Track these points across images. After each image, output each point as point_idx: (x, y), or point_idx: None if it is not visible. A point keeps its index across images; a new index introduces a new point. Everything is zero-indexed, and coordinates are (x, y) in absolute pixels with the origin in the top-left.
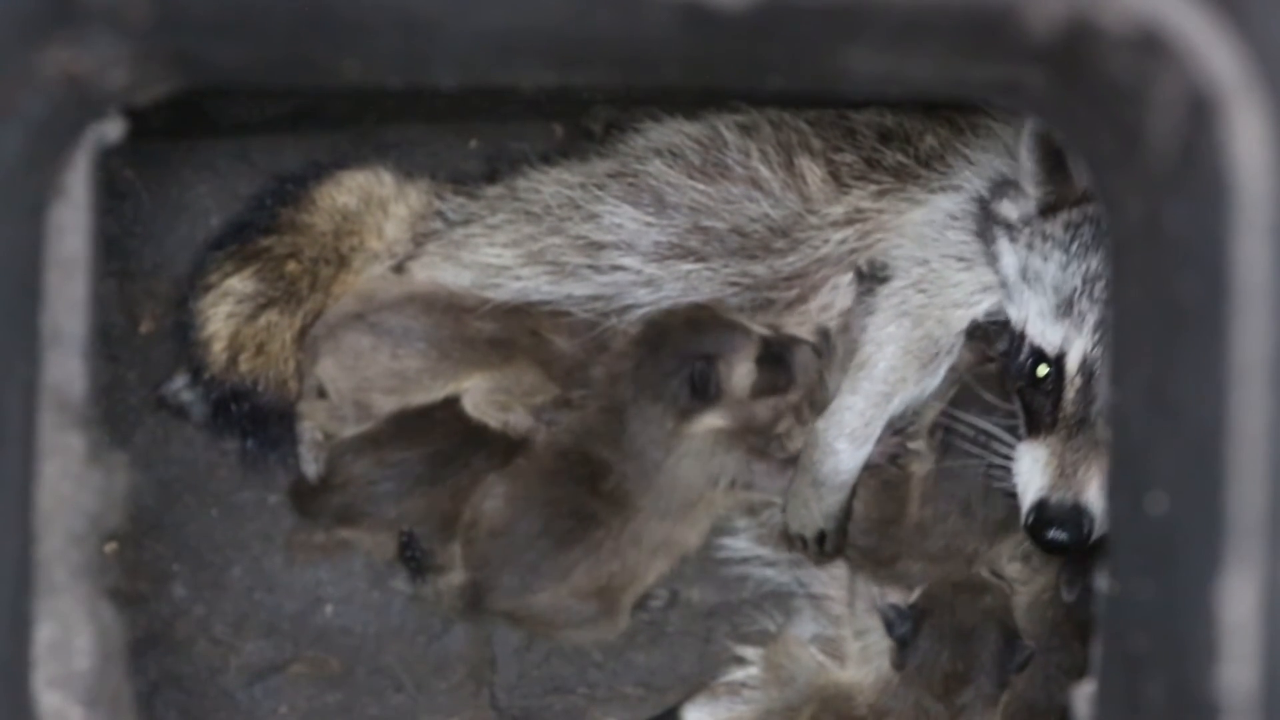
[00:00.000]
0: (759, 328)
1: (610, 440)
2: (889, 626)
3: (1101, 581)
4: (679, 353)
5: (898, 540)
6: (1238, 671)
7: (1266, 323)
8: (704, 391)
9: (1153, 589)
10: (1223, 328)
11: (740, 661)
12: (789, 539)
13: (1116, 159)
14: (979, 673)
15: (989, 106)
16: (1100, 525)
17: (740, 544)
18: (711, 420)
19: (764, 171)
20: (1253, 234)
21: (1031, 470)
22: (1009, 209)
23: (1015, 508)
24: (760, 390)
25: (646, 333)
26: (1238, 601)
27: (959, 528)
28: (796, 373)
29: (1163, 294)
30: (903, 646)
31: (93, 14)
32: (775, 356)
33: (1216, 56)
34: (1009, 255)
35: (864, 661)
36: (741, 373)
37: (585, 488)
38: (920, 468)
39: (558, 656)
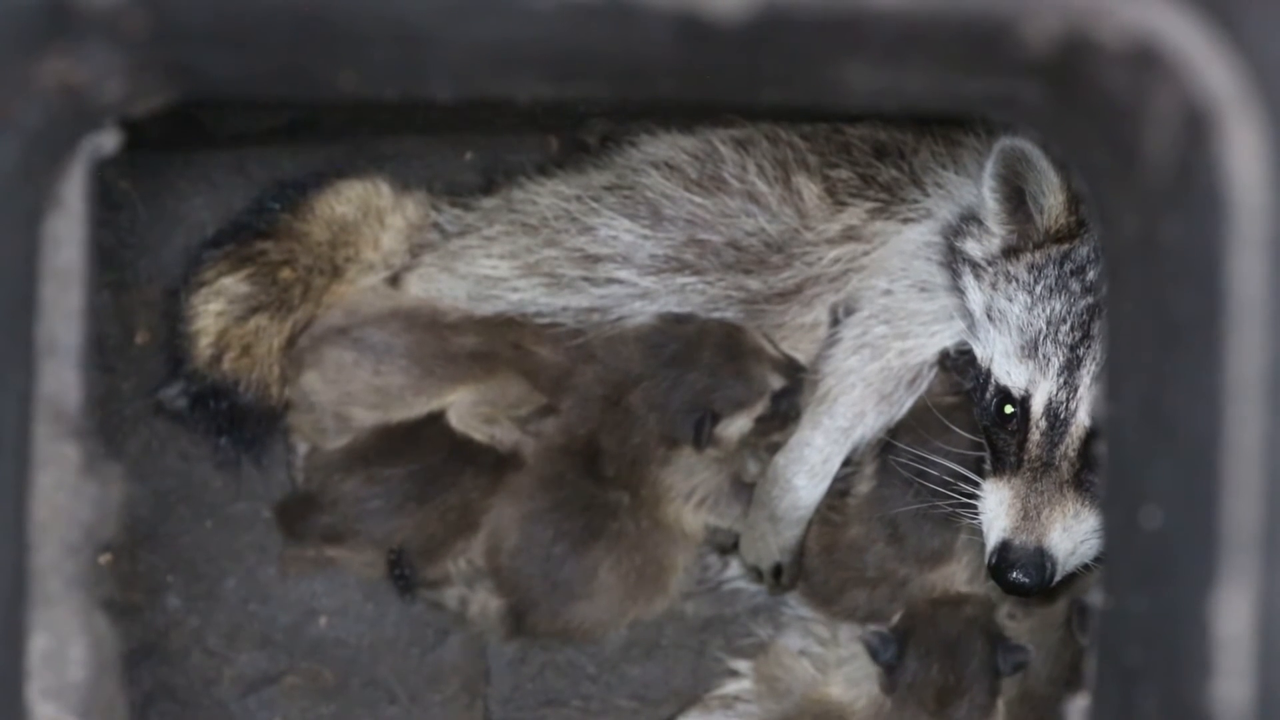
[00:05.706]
0: (778, 376)
1: (608, 426)
2: (873, 653)
3: (1096, 595)
4: (698, 391)
5: (839, 565)
6: (1232, 686)
7: (1262, 337)
8: (698, 441)
9: (1147, 603)
10: (1218, 342)
11: (734, 674)
12: (745, 569)
13: (1112, 173)
14: (971, 682)
15: (975, 127)
16: (1063, 569)
17: (734, 557)
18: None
19: (761, 186)
20: (1248, 248)
21: (996, 510)
22: (973, 247)
23: (947, 538)
24: (748, 439)
25: (678, 340)
26: (1232, 615)
27: (887, 553)
28: (791, 418)
29: (1158, 308)
30: (890, 671)
31: (89, 25)
32: (776, 410)
33: (1213, 71)
34: (974, 292)
35: (851, 685)
36: (739, 425)
37: (588, 479)
38: (863, 488)
39: (552, 669)
